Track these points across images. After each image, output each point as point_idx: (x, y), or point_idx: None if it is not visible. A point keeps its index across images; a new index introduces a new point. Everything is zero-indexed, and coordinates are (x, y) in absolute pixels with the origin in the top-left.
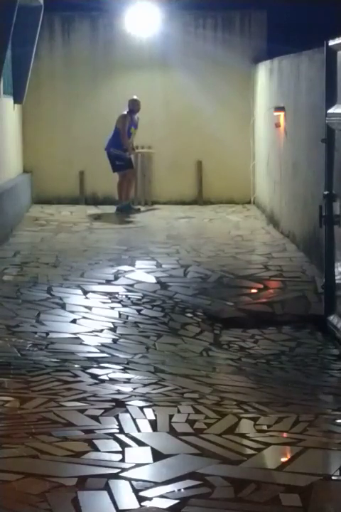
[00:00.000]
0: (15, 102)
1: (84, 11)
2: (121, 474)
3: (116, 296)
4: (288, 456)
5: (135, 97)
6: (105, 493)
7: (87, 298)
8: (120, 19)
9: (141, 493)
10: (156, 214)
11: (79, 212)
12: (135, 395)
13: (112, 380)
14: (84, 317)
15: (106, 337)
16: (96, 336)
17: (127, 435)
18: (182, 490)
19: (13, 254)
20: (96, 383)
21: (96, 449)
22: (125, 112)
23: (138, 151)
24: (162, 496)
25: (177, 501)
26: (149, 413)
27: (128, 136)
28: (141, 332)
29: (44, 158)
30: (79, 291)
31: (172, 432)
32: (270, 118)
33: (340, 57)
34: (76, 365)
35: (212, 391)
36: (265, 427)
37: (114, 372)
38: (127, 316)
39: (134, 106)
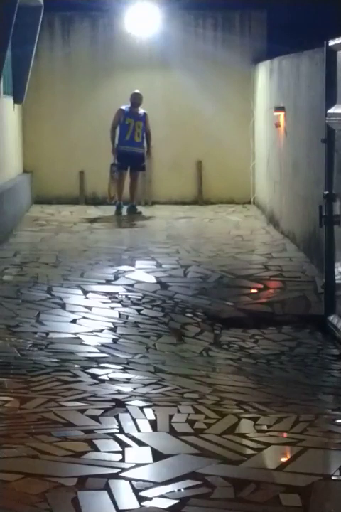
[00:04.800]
0: (15, 102)
1: (84, 11)
2: (121, 474)
3: (116, 296)
4: (288, 456)
5: (136, 90)
6: (105, 493)
7: (87, 298)
8: (120, 19)
9: (141, 493)
10: (156, 214)
11: (79, 212)
12: (135, 395)
13: (112, 380)
14: (84, 317)
15: (106, 337)
16: (96, 336)
17: (127, 435)
18: (182, 490)
19: (13, 254)
20: (96, 383)
21: (96, 449)
22: (122, 107)
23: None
24: (162, 496)
25: (177, 501)
26: (149, 413)
27: (126, 128)
28: (141, 332)
29: (44, 158)
30: (79, 291)
31: (172, 432)
32: (270, 118)
33: (340, 57)
34: (76, 365)
35: (212, 391)
36: (265, 427)
37: (114, 372)
38: (127, 316)
39: (134, 98)
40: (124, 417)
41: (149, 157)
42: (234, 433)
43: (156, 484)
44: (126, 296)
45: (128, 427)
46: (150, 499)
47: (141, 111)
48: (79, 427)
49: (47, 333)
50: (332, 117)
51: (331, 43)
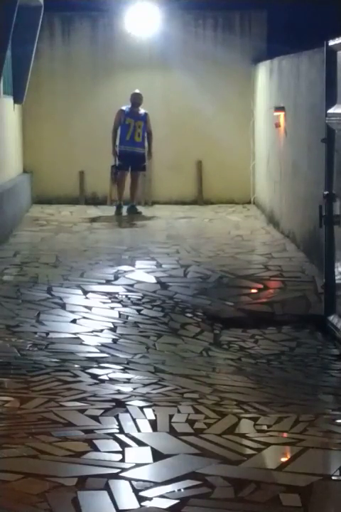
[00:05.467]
0: (15, 102)
1: (84, 11)
2: (121, 474)
3: (116, 296)
4: (288, 456)
5: (136, 90)
6: (105, 493)
7: (87, 298)
8: (120, 19)
9: (141, 493)
10: (156, 214)
11: (79, 212)
12: (135, 395)
13: (112, 380)
14: (84, 317)
15: (106, 337)
16: (96, 336)
17: (127, 435)
18: (182, 490)
19: (13, 254)
20: (96, 383)
21: (96, 449)
22: (123, 107)
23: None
24: (162, 496)
25: (177, 501)
26: (149, 413)
27: (126, 128)
28: (141, 332)
29: (44, 158)
30: (79, 291)
31: (172, 432)
32: (270, 118)
33: (340, 57)
34: (76, 365)
35: (212, 391)
36: (265, 427)
37: (114, 372)
38: (127, 316)
39: (134, 98)
40: (124, 417)
41: (150, 158)
42: (234, 433)
43: (156, 484)
44: (126, 296)
45: (128, 427)
46: (150, 499)
47: (142, 111)
48: (79, 427)
49: (47, 333)
50: (332, 117)
51: (331, 43)
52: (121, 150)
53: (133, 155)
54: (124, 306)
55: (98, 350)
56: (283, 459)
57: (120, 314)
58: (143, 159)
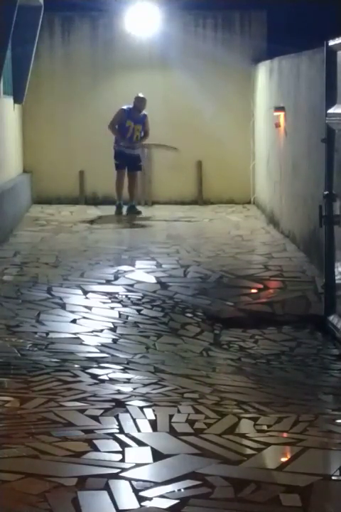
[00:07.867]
0: (15, 102)
1: (84, 11)
2: (121, 474)
3: (116, 296)
4: (288, 456)
5: (140, 94)
6: (105, 493)
7: (87, 298)
8: (120, 19)
9: (141, 493)
10: (156, 214)
11: (79, 212)
12: (135, 395)
13: (112, 380)
14: (84, 317)
15: (106, 337)
16: (96, 336)
17: (127, 435)
18: (182, 490)
19: (13, 254)
20: (96, 383)
21: (96, 449)
22: (124, 107)
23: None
24: (162, 496)
25: (177, 501)
26: (149, 413)
27: (126, 129)
28: (141, 332)
29: (44, 158)
30: (79, 291)
31: (172, 432)
32: (270, 118)
33: (340, 57)
34: (76, 365)
35: (212, 391)
36: (265, 427)
37: (114, 372)
38: (127, 316)
39: (137, 102)
40: (124, 417)
41: (141, 142)
42: (234, 433)
43: (156, 484)
44: (126, 296)
45: (128, 427)
46: (150, 499)
47: (142, 113)
48: (79, 427)
49: (47, 333)
50: (332, 117)
51: (331, 43)
52: (117, 150)
53: (131, 156)
54: (124, 306)
55: (98, 350)
56: (283, 459)
57: (120, 314)
58: (139, 159)
